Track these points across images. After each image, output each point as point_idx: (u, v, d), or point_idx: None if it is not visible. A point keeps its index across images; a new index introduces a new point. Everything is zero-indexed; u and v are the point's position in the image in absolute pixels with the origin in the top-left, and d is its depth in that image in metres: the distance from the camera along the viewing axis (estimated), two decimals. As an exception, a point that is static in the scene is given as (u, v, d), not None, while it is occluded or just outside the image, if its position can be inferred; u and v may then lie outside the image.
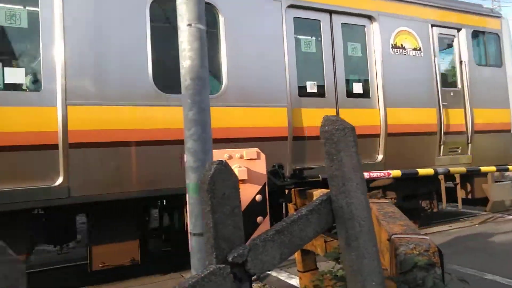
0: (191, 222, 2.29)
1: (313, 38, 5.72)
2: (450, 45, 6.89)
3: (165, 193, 4.47)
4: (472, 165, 6.56)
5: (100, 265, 4.39)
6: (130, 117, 4.22)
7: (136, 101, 4.27)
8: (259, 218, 3.29)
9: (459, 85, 6.72)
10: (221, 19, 4.76)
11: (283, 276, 4.19)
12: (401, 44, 6.15)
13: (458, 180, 6.50)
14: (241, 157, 3.32)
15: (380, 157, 5.78)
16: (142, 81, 4.30)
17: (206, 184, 1.47)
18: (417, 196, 6.22)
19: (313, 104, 5.47)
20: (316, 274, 3.00)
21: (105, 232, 4.31)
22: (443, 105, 6.36)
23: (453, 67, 6.90)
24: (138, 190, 4.21)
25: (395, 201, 5.93)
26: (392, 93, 5.95)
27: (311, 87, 5.54)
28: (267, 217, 3.37)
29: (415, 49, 6.27)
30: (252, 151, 3.39)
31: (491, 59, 7.12)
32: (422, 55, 6.25)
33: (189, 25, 2.23)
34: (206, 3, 4.59)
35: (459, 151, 6.69)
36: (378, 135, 5.82)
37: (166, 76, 4.53)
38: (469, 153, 6.69)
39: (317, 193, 2.98)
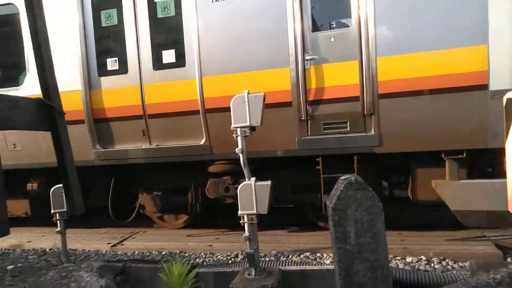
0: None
1: (115, 9, 5.42)
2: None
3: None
4: (381, 148, 4.61)
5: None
6: None
7: None
8: None
9: (353, 22, 4.61)
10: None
11: None
12: None
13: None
14: None
15: (203, 139, 5.11)
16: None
17: None
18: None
19: (115, 83, 5.41)
20: None
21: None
22: (309, 60, 4.68)
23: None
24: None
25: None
26: (212, 57, 4.98)
27: (112, 64, 5.49)
28: None
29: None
30: None
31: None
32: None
33: None
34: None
35: (348, 127, 4.73)
36: (198, 112, 5.09)
37: None
38: (372, 130, 4.60)
39: None
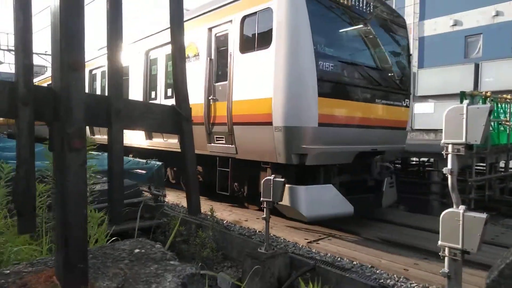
0: None
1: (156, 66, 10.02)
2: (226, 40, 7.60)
3: None
4: (238, 156, 7.38)
5: None
6: None
7: None
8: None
9: (227, 78, 7.49)
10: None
11: None
12: (187, 55, 8.44)
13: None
14: None
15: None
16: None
17: None
18: None
19: None
20: None
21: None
22: (211, 99, 7.87)
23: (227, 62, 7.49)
24: None
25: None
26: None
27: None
28: None
29: (195, 55, 8.34)
30: None
31: (261, 42, 6.81)
32: (199, 58, 8.17)
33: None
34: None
35: (224, 141, 7.68)
36: None
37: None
38: (233, 144, 7.41)
39: None
